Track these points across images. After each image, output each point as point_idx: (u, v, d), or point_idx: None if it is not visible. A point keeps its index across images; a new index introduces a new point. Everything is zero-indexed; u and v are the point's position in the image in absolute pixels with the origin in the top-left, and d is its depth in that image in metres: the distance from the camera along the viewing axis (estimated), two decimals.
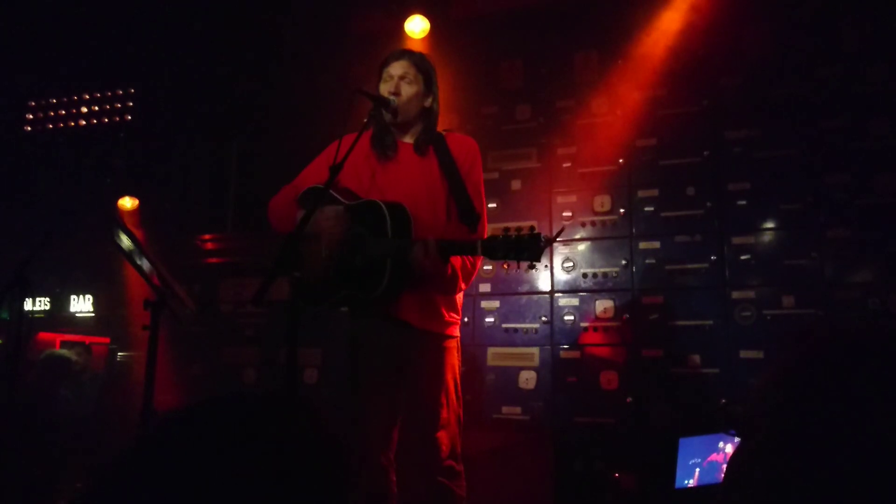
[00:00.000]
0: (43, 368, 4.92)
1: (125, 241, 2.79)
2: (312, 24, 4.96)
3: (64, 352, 5.16)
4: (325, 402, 4.52)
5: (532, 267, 2.17)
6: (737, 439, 0.82)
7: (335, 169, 2.25)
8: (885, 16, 3.81)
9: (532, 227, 2.17)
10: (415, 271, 2.37)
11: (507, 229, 2.20)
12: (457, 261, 2.52)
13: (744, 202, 3.90)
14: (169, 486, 0.69)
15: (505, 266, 4.25)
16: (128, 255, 2.79)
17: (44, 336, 5.66)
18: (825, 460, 0.70)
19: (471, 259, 2.60)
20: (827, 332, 0.80)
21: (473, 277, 2.70)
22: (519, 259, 2.15)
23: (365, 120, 2.57)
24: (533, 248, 2.13)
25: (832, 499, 0.69)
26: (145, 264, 2.76)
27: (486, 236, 2.53)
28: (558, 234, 2.18)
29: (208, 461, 0.71)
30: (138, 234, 5.56)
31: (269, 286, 1.86)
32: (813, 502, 0.70)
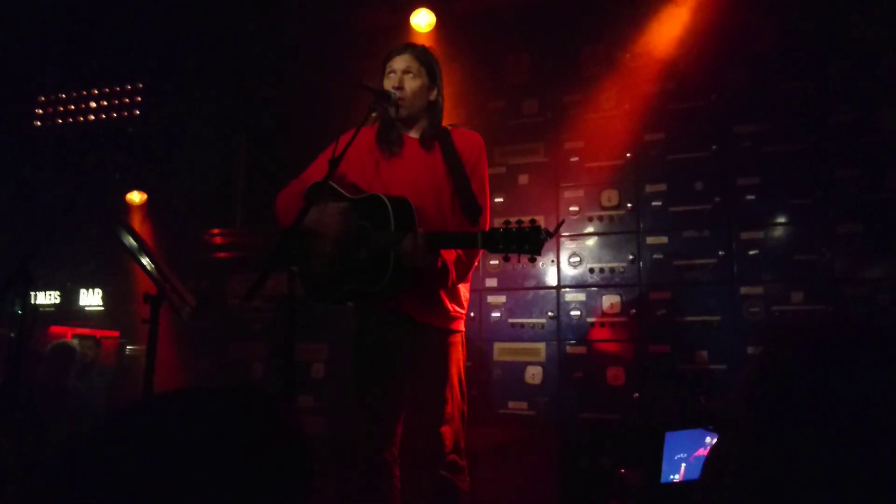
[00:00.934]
0: (50, 358, 4.97)
1: (127, 238, 2.80)
2: (318, 18, 4.95)
3: (69, 341, 5.21)
4: (332, 396, 4.54)
5: (533, 260, 2.15)
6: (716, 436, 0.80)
7: (334, 163, 2.25)
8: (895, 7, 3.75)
9: (532, 220, 2.15)
10: (407, 263, 2.36)
11: (507, 222, 2.18)
12: (449, 254, 2.51)
13: (752, 197, 3.86)
14: (121, 481, 0.68)
15: (517, 260, 4.23)
16: (130, 252, 2.80)
17: (56, 329, 5.71)
18: (805, 458, 0.69)
19: (466, 252, 2.58)
20: (800, 328, 0.78)
21: (472, 271, 2.68)
22: (520, 252, 2.13)
23: (373, 115, 2.56)
24: (533, 240, 2.11)
25: (813, 497, 0.68)
26: (147, 260, 2.77)
27: (487, 229, 2.51)
28: (558, 227, 2.16)
29: (162, 456, 0.70)
30: (147, 228, 5.61)
31: (265, 281, 1.86)
32: (793, 501, 0.69)
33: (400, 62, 2.69)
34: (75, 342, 5.18)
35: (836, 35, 3.87)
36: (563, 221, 2.26)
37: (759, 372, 0.76)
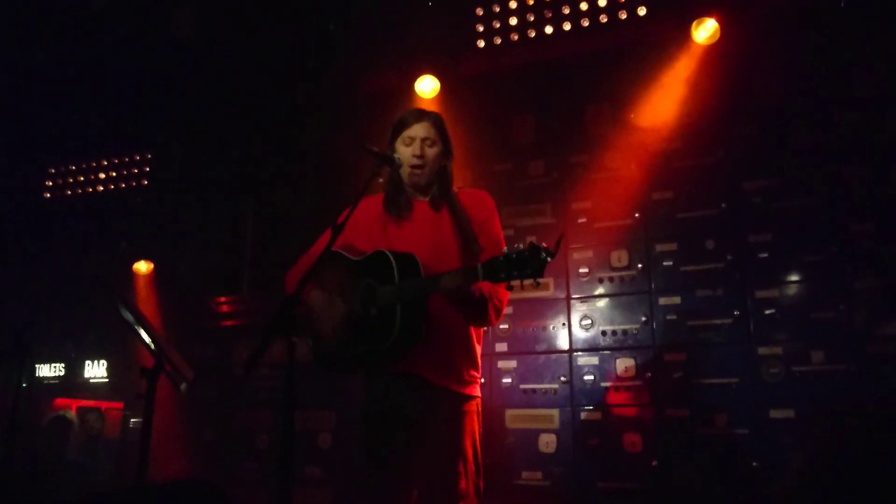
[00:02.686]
0: (47, 431, 4.90)
1: (124, 312, 2.76)
2: (325, 83, 5.01)
3: (66, 413, 5.13)
4: (339, 467, 4.40)
5: (537, 284, 2.07)
6: None
7: (336, 230, 2.21)
8: None
9: (531, 243, 2.07)
10: (452, 300, 2.27)
11: (504, 250, 2.12)
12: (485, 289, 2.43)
13: (766, 254, 3.79)
14: None
15: (521, 287, 4.15)
16: (127, 325, 2.75)
17: (60, 402, 5.63)
18: None
19: (498, 296, 2.50)
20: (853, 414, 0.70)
21: (503, 313, 2.58)
22: (522, 277, 2.06)
23: (379, 181, 2.54)
24: (535, 263, 2.03)
25: None
26: (145, 333, 2.71)
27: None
28: (558, 244, 2.07)
29: None
30: (153, 296, 5.57)
31: (264, 351, 1.79)
32: None
33: (420, 130, 2.65)
34: (72, 415, 5.10)
35: (841, 88, 3.86)
36: (561, 237, 2.16)
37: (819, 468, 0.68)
